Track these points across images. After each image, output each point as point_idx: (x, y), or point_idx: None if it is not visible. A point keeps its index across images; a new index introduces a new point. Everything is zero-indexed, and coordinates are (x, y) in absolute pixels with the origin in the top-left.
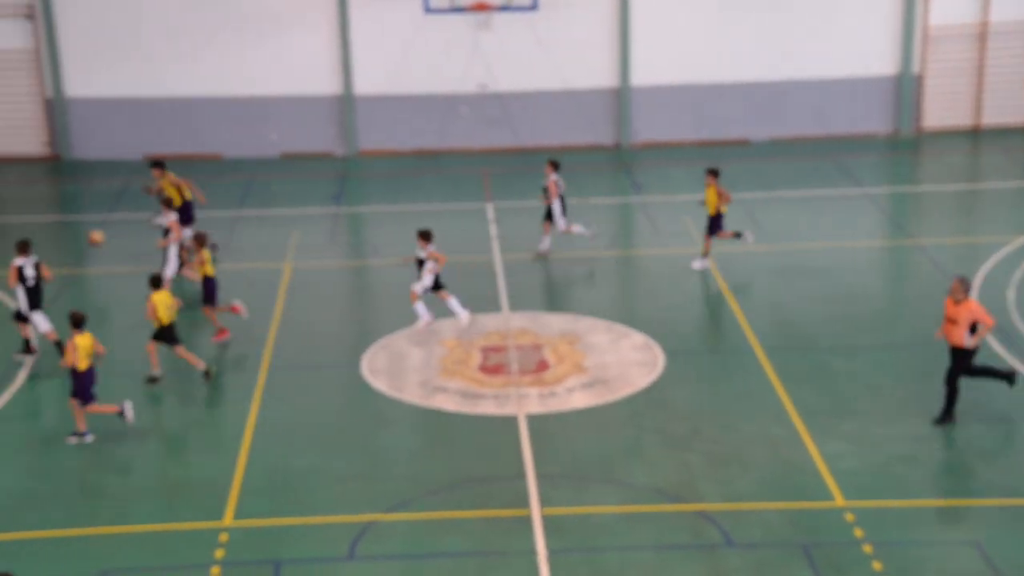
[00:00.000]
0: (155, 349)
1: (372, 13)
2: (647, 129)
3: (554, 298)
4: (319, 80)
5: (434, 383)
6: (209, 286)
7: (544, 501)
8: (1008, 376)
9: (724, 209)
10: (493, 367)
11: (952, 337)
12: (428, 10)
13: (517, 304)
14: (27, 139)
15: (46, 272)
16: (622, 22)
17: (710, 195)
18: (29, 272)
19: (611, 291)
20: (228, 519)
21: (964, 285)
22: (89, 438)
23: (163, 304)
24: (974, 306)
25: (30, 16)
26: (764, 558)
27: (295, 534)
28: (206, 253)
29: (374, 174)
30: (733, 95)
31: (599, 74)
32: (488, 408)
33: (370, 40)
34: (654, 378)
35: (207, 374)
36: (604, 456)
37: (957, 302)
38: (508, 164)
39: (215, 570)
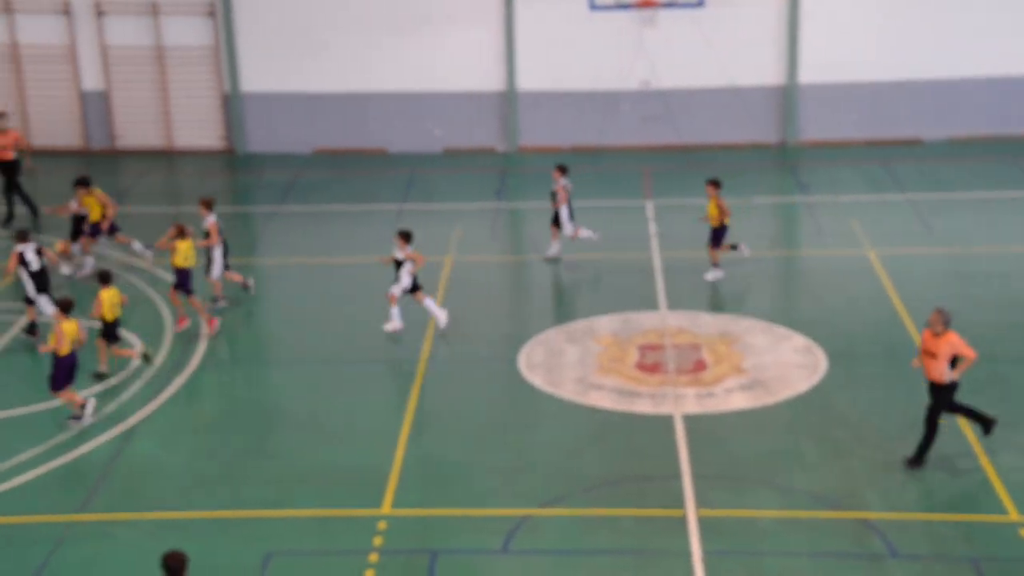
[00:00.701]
0: (104, 346)
1: (537, 10)
2: (814, 127)
3: (713, 298)
4: (483, 76)
5: (590, 380)
6: (183, 276)
7: (700, 502)
8: (986, 421)
9: (727, 221)
10: (650, 366)
11: (931, 372)
12: (593, 7)
13: (675, 303)
14: (205, 132)
15: (51, 255)
16: (791, 18)
17: (711, 207)
18: (30, 257)
19: (772, 292)
20: (386, 507)
21: (943, 316)
22: (91, 407)
23: (109, 301)
24: (954, 338)
25: (211, 14)
26: (930, 571)
27: (451, 525)
28: (185, 244)
29: (535, 170)
30: (906, 93)
31: (765, 71)
32: (644, 407)
33: (534, 37)
34: (816, 382)
35: (100, 376)
36: (762, 459)
37: (936, 334)
38: (669, 162)
39: (373, 557)
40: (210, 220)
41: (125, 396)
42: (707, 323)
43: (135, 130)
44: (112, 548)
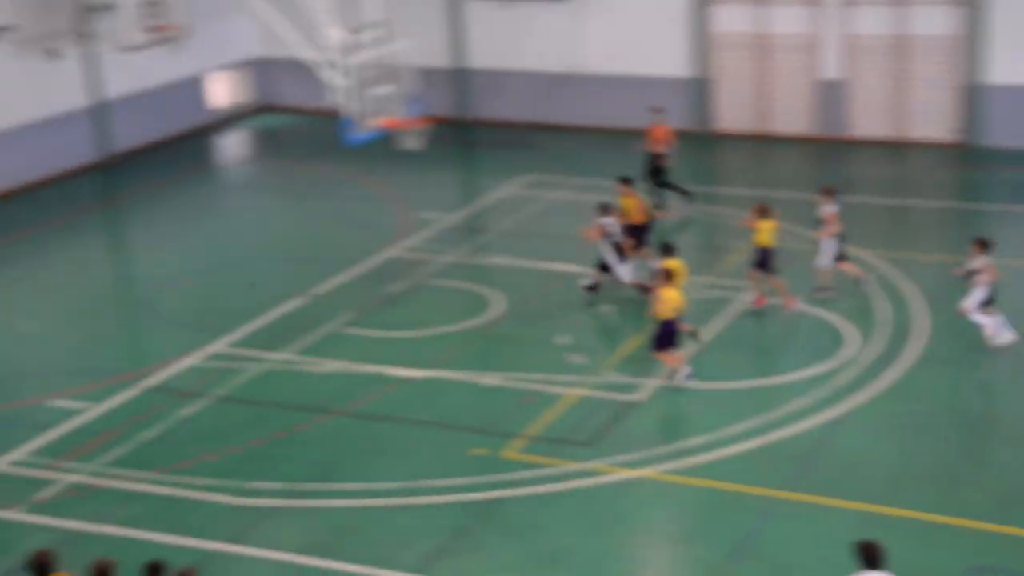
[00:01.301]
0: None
1: None
2: None
3: None
4: None
5: None
6: (764, 256)
7: None
8: None
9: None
10: None
11: None
12: None
13: None
14: (939, 125)
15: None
16: None
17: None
18: (613, 229)
19: None
20: None
21: None
22: (686, 372)
23: (680, 272)
24: None
25: (964, 3)
26: None
27: None
28: (768, 224)
29: None
30: None
31: None
32: None
33: None
34: None
35: (692, 334)
36: None
37: None
38: None
39: None
40: (828, 209)
41: (838, 385)
42: None
43: (867, 120)
44: (813, 530)
